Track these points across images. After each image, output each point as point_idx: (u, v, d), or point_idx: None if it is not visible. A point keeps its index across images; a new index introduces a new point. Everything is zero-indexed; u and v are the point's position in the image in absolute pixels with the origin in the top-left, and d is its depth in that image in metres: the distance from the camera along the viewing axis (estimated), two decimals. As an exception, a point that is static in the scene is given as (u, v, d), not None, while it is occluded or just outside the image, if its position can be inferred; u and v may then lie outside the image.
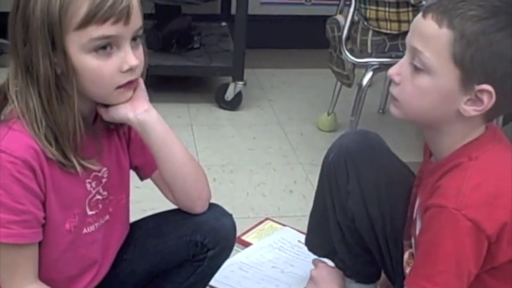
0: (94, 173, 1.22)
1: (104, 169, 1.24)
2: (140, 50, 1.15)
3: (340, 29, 2.25)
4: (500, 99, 1.11)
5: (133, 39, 1.13)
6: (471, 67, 1.09)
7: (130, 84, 1.16)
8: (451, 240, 1.10)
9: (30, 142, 1.11)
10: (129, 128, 1.27)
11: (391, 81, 1.19)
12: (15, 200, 1.11)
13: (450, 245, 1.10)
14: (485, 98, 1.11)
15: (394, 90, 1.19)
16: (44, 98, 1.11)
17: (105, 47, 1.10)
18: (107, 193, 1.26)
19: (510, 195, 1.11)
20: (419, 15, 1.14)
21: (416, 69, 1.13)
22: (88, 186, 1.22)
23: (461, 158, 1.15)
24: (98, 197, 1.24)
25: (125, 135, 1.30)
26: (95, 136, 1.21)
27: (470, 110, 1.13)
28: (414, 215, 1.30)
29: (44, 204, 1.15)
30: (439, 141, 1.21)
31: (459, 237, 1.09)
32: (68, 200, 1.19)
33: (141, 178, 1.36)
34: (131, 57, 1.12)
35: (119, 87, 1.14)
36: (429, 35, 1.11)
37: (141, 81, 1.20)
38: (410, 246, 1.32)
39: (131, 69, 1.13)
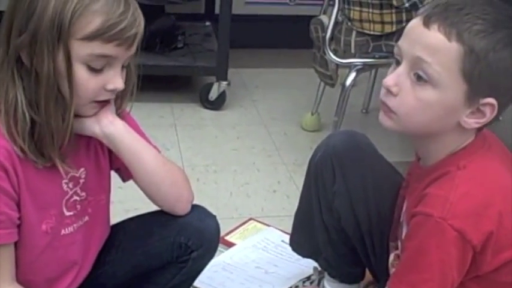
0: (71, 174, 1.21)
1: (82, 169, 1.23)
2: (124, 73, 1.17)
3: (324, 29, 2.26)
4: (498, 111, 1.11)
5: (123, 66, 1.15)
6: (478, 82, 1.08)
7: (105, 103, 1.17)
8: (437, 249, 1.10)
9: (3, 142, 1.11)
10: None
11: (386, 91, 1.14)
12: None
13: (435, 254, 1.10)
14: (487, 110, 1.11)
15: (390, 102, 1.13)
16: (41, 96, 1.10)
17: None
18: (85, 194, 1.25)
19: (497, 205, 1.10)
20: (419, 23, 1.10)
21: (419, 81, 1.10)
22: (65, 186, 1.21)
23: (450, 166, 1.14)
24: (76, 197, 1.24)
25: None
26: (71, 136, 1.20)
27: (472, 122, 1.12)
28: (401, 218, 1.29)
29: (18, 204, 1.14)
30: (429, 149, 1.20)
31: (445, 246, 1.09)
32: (43, 201, 1.18)
33: (124, 179, 1.35)
34: (119, 80, 1.14)
35: (95, 101, 1.15)
36: (437, 47, 1.08)
37: None
38: (396, 248, 1.32)
39: (114, 90, 1.14)
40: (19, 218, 1.15)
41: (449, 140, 1.16)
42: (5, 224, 1.13)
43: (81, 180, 1.24)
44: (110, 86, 1.13)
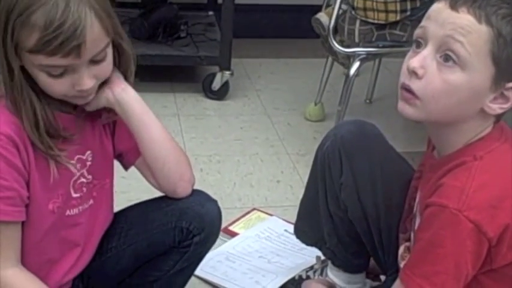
0: (78, 156, 1.23)
1: (88, 152, 1.25)
2: (104, 63, 1.14)
3: (324, 28, 2.26)
4: None
5: (93, 60, 1.12)
6: (506, 66, 1.08)
7: (82, 93, 1.16)
8: (452, 241, 1.08)
9: (14, 119, 1.12)
10: (115, 113, 1.25)
11: (410, 74, 1.10)
12: None
13: (450, 246, 1.08)
14: (511, 95, 1.10)
15: (415, 84, 1.10)
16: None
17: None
18: (91, 177, 1.26)
19: None
20: (444, 7, 1.09)
21: (447, 63, 1.08)
22: (72, 167, 1.22)
23: (466, 156, 1.12)
24: (83, 179, 1.25)
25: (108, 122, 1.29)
26: (77, 117, 1.22)
27: (496, 107, 1.11)
28: (414, 210, 1.28)
29: (27, 183, 1.15)
30: (447, 138, 1.17)
31: (460, 238, 1.07)
32: (51, 180, 1.18)
33: (125, 166, 1.35)
34: (85, 82, 1.12)
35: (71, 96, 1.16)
36: (468, 28, 1.07)
37: (115, 68, 1.21)
38: (407, 240, 1.30)
39: (82, 91, 1.14)
40: (28, 198, 1.15)
41: (469, 129, 1.14)
42: (15, 201, 1.13)
43: (88, 163, 1.25)
44: (77, 88, 1.13)
